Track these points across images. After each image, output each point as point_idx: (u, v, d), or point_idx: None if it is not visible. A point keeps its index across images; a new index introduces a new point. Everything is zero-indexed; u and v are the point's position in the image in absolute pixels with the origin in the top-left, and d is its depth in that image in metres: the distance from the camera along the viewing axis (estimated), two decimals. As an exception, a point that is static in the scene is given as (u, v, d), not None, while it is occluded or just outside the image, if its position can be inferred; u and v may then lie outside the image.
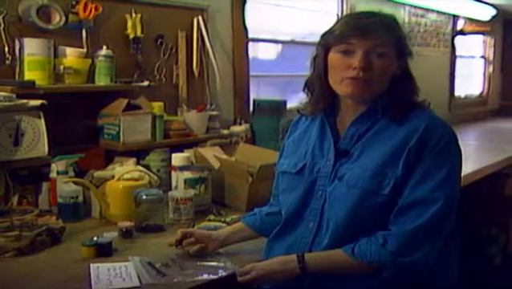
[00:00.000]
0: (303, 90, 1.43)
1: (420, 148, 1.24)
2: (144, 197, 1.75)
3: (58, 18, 2.06)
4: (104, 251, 1.52)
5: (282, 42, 3.49)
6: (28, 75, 1.94)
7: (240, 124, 2.76)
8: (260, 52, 3.33)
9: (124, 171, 1.90)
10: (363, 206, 1.26)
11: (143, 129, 2.20)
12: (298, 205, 1.38)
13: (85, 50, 2.14)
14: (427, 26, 4.69)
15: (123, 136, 2.13)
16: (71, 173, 1.95)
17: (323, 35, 1.35)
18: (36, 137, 1.87)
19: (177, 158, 2.08)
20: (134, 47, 2.34)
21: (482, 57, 5.95)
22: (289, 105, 2.80)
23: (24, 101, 1.84)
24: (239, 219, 1.65)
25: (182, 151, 2.20)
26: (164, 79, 2.50)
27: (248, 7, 2.91)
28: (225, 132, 2.62)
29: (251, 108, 2.89)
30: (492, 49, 5.94)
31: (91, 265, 1.44)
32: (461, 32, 5.23)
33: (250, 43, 3.00)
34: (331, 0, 3.72)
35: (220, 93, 2.74)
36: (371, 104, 1.32)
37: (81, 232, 1.72)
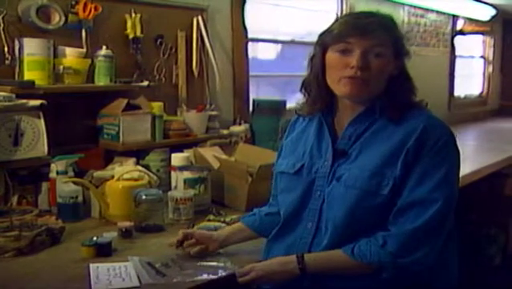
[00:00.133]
0: (300, 90, 1.43)
1: (418, 149, 1.24)
2: (144, 197, 1.75)
3: (57, 18, 2.06)
4: (104, 251, 1.52)
5: (282, 42, 3.49)
6: (28, 75, 1.94)
7: (239, 124, 2.76)
8: (260, 52, 3.33)
9: (124, 171, 1.90)
10: (361, 207, 1.26)
11: (142, 129, 2.20)
12: (296, 205, 1.38)
13: (85, 50, 2.14)
14: (426, 26, 4.69)
15: (122, 136, 2.13)
16: (71, 173, 1.95)
17: (321, 35, 1.35)
18: (36, 137, 1.87)
19: (177, 158, 2.09)
20: (134, 47, 2.34)
21: (482, 57, 5.95)
22: (288, 105, 2.80)
23: (24, 101, 1.84)
24: (239, 219, 1.65)
25: (182, 151, 2.20)
26: (163, 79, 2.50)
27: (247, 7, 2.91)
28: (225, 132, 2.62)
29: (251, 108, 2.89)
30: (491, 49, 5.94)
31: (91, 265, 1.44)
32: (461, 32, 5.23)
33: (250, 43, 3.00)
34: (331, 0, 3.72)
35: (219, 93, 2.74)
36: (369, 104, 1.32)
37: (81, 232, 1.72)
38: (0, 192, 1.84)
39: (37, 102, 1.86)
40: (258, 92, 3.14)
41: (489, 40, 5.91)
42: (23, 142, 1.84)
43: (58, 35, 2.07)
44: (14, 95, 1.81)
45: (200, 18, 2.59)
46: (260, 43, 3.30)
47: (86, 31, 2.16)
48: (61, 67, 2.03)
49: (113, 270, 1.41)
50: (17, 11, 2.00)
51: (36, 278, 1.38)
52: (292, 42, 3.49)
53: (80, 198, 1.87)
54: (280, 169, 1.46)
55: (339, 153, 1.33)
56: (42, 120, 1.88)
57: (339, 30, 1.30)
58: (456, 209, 1.28)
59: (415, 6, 4.46)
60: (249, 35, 2.96)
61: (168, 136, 2.32)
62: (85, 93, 2.16)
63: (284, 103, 2.83)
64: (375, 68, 1.27)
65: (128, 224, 1.69)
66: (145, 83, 2.30)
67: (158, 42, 2.46)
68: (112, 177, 1.90)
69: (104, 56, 2.15)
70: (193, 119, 2.46)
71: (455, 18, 5.11)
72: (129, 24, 2.31)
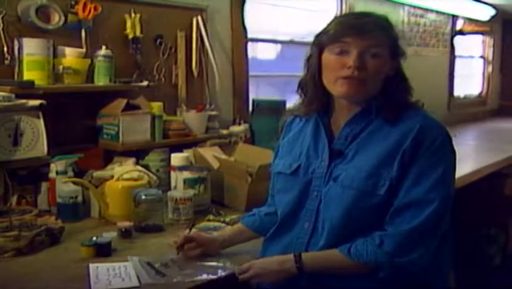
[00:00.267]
0: (297, 91, 1.44)
1: (414, 149, 1.24)
2: (144, 197, 1.75)
3: (57, 18, 2.06)
4: (103, 251, 1.52)
5: (282, 42, 3.49)
6: (27, 75, 1.94)
7: (239, 124, 2.76)
8: (259, 52, 3.33)
9: (124, 171, 1.90)
10: (358, 207, 1.26)
11: (142, 129, 2.21)
12: (293, 205, 1.38)
13: (84, 50, 2.14)
14: (426, 26, 4.69)
15: (122, 136, 2.13)
16: (71, 173, 1.95)
17: (317, 35, 1.36)
18: (35, 137, 1.87)
19: (176, 158, 2.09)
20: (133, 47, 2.34)
21: (481, 57, 5.95)
22: (288, 105, 2.79)
23: (23, 101, 1.84)
24: (238, 219, 1.65)
25: (181, 151, 2.20)
26: (163, 79, 2.50)
27: (247, 7, 2.91)
28: (225, 132, 2.62)
29: (250, 108, 2.89)
30: (491, 49, 5.94)
31: (91, 265, 1.44)
32: (461, 32, 5.23)
33: (249, 43, 3.00)
34: (330, 0, 3.72)
35: (219, 93, 2.74)
36: (365, 105, 1.33)
37: (80, 232, 1.72)
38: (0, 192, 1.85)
39: (36, 102, 1.86)
40: (257, 92, 3.14)
41: (489, 40, 5.91)
42: (23, 142, 1.85)
43: (57, 35, 2.07)
44: (13, 95, 1.81)
45: (199, 18, 2.59)
46: (259, 43, 3.30)
47: (85, 31, 2.16)
48: (60, 67, 2.03)
49: (113, 270, 1.41)
50: (16, 11, 2.01)
51: (36, 278, 1.38)
52: (291, 42, 3.48)
53: (80, 198, 1.87)
54: (277, 170, 1.46)
55: (336, 154, 1.33)
56: (42, 120, 1.89)
57: (335, 30, 1.30)
58: (452, 209, 1.28)
59: (415, 6, 4.46)
60: (249, 35, 2.96)
61: (167, 136, 2.32)
62: (85, 93, 2.16)
63: (284, 103, 2.83)
64: (371, 68, 1.27)
65: (127, 224, 1.69)
66: (145, 83, 2.30)
67: (158, 42, 2.46)
68: (112, 177, 1.90)
69: (104, 56, 2.16)
70: (192, 119, 2.46)
71: (455, 18, 5.11)
72: (129, 24, 2.31)
